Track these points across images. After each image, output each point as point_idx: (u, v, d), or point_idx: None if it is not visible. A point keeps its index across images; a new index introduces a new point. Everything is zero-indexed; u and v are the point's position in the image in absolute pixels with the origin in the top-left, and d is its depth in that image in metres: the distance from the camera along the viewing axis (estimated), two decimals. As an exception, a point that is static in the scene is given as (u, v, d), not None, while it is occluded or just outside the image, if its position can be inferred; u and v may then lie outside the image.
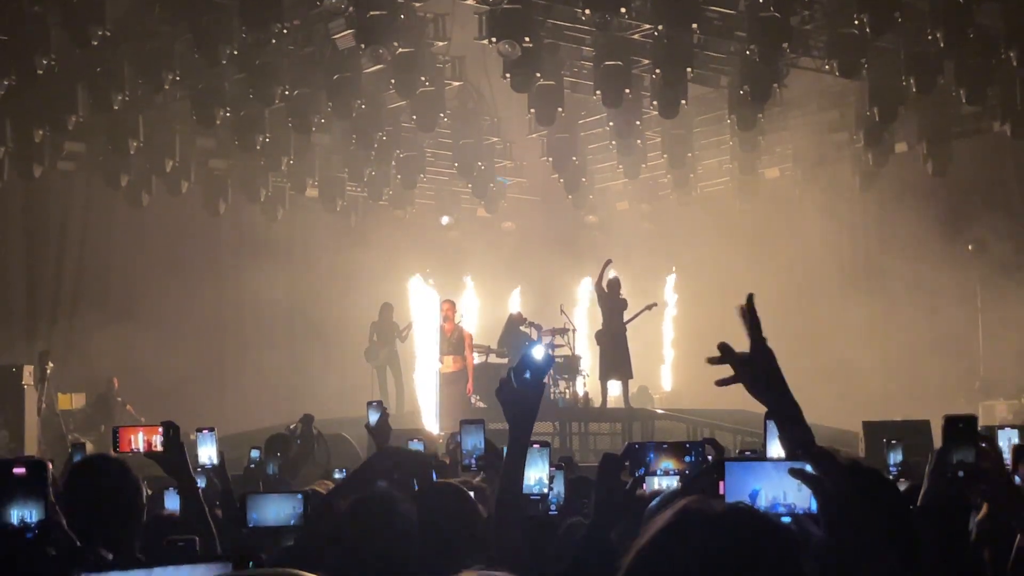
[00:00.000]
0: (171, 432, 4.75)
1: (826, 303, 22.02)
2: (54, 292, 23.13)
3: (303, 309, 24.28)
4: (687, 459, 4.00)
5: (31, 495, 2.62)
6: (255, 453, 8.89)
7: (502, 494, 3.56)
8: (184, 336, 21.98)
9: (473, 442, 4.94)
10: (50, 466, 2.67)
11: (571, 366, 19.36)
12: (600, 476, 3.84)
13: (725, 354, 2.72)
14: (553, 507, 4.96)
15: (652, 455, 3.99)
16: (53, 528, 2.71)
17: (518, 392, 3.46)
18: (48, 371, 18.90)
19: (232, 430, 14.69)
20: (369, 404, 6.21)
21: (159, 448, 4.84)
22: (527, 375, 3.43)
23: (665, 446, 4.03)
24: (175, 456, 4.76)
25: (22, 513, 2.61)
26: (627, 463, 3.97)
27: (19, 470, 2.61)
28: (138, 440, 4.91)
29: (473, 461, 4.96)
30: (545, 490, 4.64)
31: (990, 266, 20.00)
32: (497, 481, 5.01)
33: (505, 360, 19.11)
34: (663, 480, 4.15)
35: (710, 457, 4.12)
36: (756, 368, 2.73)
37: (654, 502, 3.52)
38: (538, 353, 3.45)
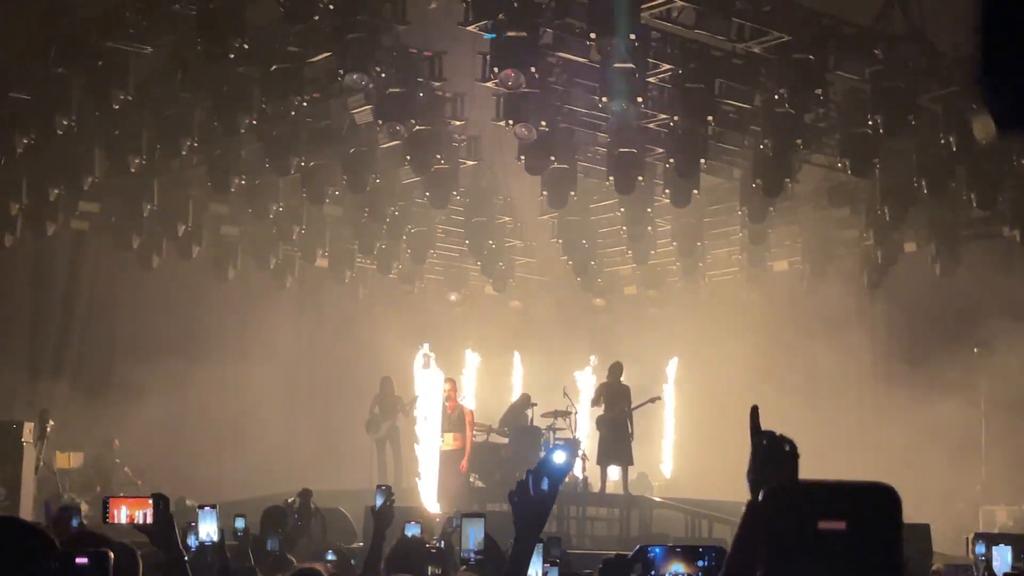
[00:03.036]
0: (160, 505, 4.68)
1: (828, 400, 21.96)
2: (58, 349, 23.17)
3: (306, 379, 24.28)
4: (700, 563, 3.96)
5: None
6: (240, 523, 8.71)
7: None
8: (186, 401, 21.95)
9: (474, 536, 4.91)
10: (111, 555, 2.64)
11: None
12: None
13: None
14: (550, 605, 4.92)
15: (662, 558, 3.95)
16: None
17: (532, 498, 3.28)
18: (48, 429, 18.86)
19: (228, 498, 14.64)
20: (379, 488, 6.22)
21: (148, 520, 4.77)
22: (544, 482, 3.26)
23: (678, 549, 3.99)
24: (164, 530, 4.67)
25: None
26: (637, 565, 3.93)
27: (82, 560, 2.57)
28: (128, 512, 4.84)
29: (472, 555, 4.93)
30: None
31: (995, 370, 19.97)
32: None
33: (505, 440, 19.09)
34: None
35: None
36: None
37: None
38: (559, 458, 3.30)
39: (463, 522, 4.98)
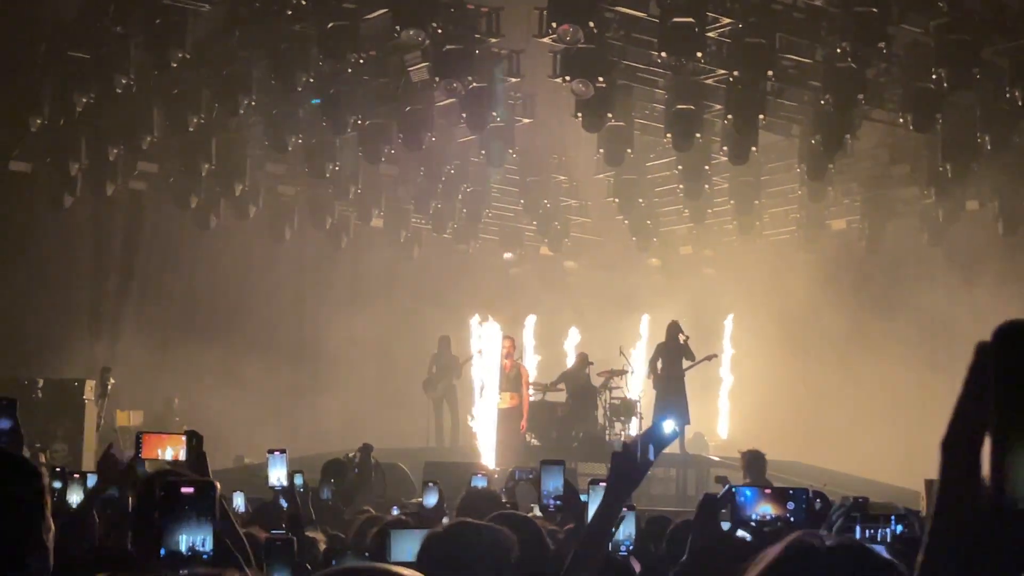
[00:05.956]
0: (194, 442, 4.63)
1: (891, 358, 21.70)
2: (118, 308, 23.38)
3: (362, 338, 24.34)
4: (789, 505, 3.91)
5: (200, 517, 2.51)
6: (298, 479, 8.64)
7: (581, 551, 3.45)
8: (244, 359, 22.08)
9: (553, 484, 4.88)
10: (217, 485, 2.56)
11: (627, 408, 19.27)
12: (699, 517, 3.78)
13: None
14: (624, 549, 4.88)
15: (752, 499, 3.91)
16: (226, 552, 2.59)
17: (635, 462, 3.36)
18: (109, 387, 19.08)
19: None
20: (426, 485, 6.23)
21: (182, 458, 4.72)
22: (651, 451, 3.34)
23: (768, 491, 3.95)
24: (197, 466, 4.57)
25: (192, 538, 2.50)
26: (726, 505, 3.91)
27: (187, 490, 2.49)
28: (161, 447, 4.79)
29: (552, 502, 4.91)
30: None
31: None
32: (571, 521, 4.97)
33: (562, 399, 19.06)
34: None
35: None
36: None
37: None
38: (668, 427, 3.40)
39: (542, 469, 4.94)
